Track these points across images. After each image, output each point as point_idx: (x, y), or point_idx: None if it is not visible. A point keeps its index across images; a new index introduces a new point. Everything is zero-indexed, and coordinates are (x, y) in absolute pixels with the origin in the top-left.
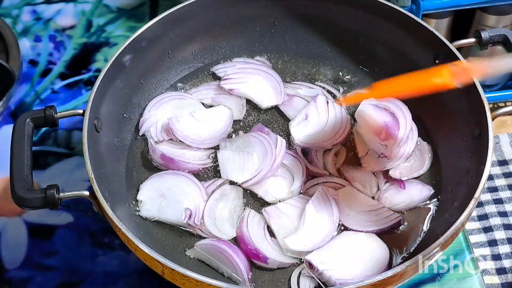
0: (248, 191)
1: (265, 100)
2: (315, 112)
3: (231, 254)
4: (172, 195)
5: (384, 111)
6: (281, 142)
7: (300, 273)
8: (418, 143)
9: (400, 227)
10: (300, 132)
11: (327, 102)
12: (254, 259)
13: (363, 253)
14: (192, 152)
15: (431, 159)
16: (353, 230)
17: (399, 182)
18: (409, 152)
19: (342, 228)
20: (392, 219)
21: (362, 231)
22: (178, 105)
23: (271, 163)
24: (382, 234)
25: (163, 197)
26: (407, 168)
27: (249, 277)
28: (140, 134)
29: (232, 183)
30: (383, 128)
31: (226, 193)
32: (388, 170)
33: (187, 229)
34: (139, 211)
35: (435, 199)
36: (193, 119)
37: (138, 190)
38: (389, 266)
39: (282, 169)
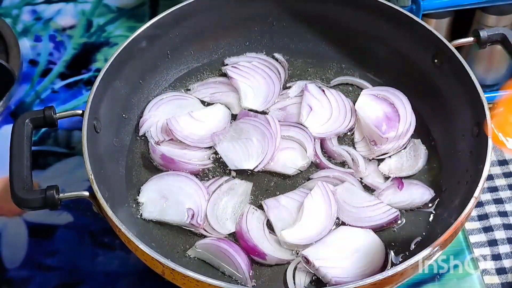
0: (255, 191)
1: (249, 101)
2: (314, 101)
3: (232, 253)
4: (174, 196)
5: (384, 101)
6: (272, 119)
7: (295, 267)
8: (415, 144)
9: (399, 225)
10: (314, 123)
11: (322, 90)
12: (252, 255)
13: (359, 249)
14: (192, 153)
15: (424, 162)
16: (350, 225)
17: (399, 182)
18: (400, 145)
19: (340, 223)
20: (390, 214)
21: (360, 227)
22: (177, 105)
23: (273, 141)
24: (380, 231)
25: (165, 199)
26: (397, 166)
27: (250, 274)
28: (140, 134)
29: (237, 176)
30: (383, 120)
31: (235, 187)
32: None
33: (189, 229)
34: (141, 213)
35: (436, 201)
36: (191, 118)
37: (138, 191)
38: (384, 264)
39: (287, 142)
